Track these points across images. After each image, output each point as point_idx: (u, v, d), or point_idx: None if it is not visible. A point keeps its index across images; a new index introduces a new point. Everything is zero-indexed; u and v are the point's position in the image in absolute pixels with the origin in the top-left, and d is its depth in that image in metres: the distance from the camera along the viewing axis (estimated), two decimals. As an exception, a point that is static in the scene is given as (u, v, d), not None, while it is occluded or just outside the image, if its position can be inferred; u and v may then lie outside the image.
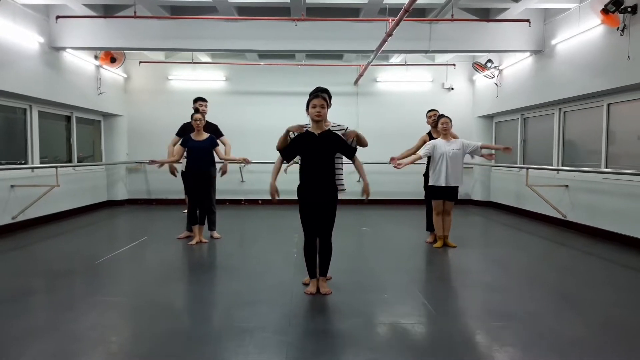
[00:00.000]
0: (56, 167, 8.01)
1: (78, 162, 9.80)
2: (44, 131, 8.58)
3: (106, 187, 10.93)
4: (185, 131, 6.66)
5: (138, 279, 4.98)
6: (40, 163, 8.39)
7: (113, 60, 9.91)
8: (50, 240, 7.04)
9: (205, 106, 6.83)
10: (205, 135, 6.45)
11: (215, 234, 6.88)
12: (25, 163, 8.10)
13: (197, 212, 6.55)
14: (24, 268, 5.41)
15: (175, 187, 10.38)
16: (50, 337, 3.34)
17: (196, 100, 6.87)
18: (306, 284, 4.49)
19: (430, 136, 6.56)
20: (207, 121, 6.61)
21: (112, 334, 3.43)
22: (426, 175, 6.67)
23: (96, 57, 9.70)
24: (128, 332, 3.57)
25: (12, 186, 7.44)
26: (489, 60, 10.08)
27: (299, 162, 4.34)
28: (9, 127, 7.96)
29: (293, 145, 4.24)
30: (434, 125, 6.51)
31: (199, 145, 6.40)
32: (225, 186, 10.25)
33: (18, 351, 3.09)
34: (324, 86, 4.56)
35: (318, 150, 4.17)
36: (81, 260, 5.62)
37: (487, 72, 10.22)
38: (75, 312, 3.82)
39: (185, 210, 7.04)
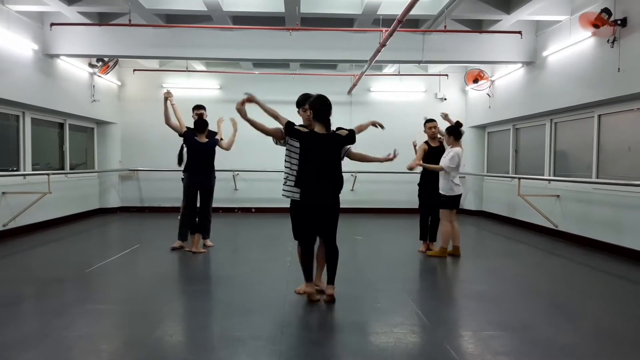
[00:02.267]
0: (48, 174, 7.97)
1: (70, 169, 9.76)
2: (36, 138, 8.54)
3: (98, 194, 10.87)
4: (188, 134, 6.59)
5: (129, 287, 4.94)
6: (32, 170, 8.34)
7: (113, 66, 9.98)
8: (41, 248, 6.98)
9: (204, 114, 6.72)
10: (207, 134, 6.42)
11: (209, 242, 6.85)
12: (17, 170, 8.04)
13: (196, 219, 6.56)
14: (14, 276, 5.35)
15: (168, 195, 10.39)
16: (40, 345, 3.30)
17: (194, 108, 6.76)
18: (299, 293, 4.46)
19: (428, 145, 6.57)
20: (209, 130, 6.61)
21: (103, 343, 3.39)
22: (421, 185, 6.69)
23: (91, 65, 9.69)
24: (119, 340, 3.54)
25: (3, 193, 7.38)
26: (482, 72, 10.18)
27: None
28: (1, 133, 7.90)
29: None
30: (433, 136, 6.54)
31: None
32: (218, 194, 10.18)
33: (7, 359, 3.07)
34: None
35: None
36: (72, 268, 5.57)
37: (480, 82, 10.30)
38: (66, 320, 3.78)
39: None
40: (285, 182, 4.40)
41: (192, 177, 6.44)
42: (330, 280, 4.30)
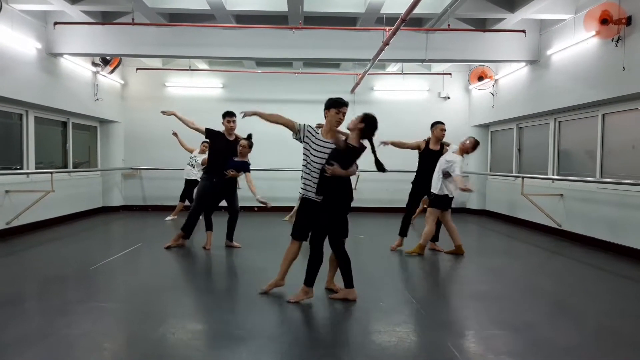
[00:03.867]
0: (51, 172, 7.99)
1: (73, 167, 9.78)
2: (39, 137, 8.56)
3: (101, 193, 10.89)
4: (212, 134, 6.62)
5: (132, 285, 4.95)
6: (36, 168, 8.36)
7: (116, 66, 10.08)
8: (45, 246, 7.00)
9: (234, 122, 6.61)
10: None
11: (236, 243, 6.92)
12: (21, 168, 8.07)
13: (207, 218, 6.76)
14: (17, 274, 5.37)
15: (171, 193, 10.37)
16: (43, 343, 3.31)
17: (225, 115, 6.63)
18: (292, 302, 4.25)
19: (427, 146, 6.59)
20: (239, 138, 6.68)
21: (106, 341, 3.40)
22: (414, 183, 6.75)
23: (94, 64, 9.71)
24: (122, 338, 3.54)
25: (6, 191, 7.40)
26: (487, 69, 10.14)
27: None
28: (5, 132, 7.94)
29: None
30: (440, 138, 6.54)
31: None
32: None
33: (10, 357, 3.07)
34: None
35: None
36: (75, 266, 5.59)
37: (485, 80, 10.27)
38: (69, 318, 3.79)
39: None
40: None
41: (219, 168, 6.48)
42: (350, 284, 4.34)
